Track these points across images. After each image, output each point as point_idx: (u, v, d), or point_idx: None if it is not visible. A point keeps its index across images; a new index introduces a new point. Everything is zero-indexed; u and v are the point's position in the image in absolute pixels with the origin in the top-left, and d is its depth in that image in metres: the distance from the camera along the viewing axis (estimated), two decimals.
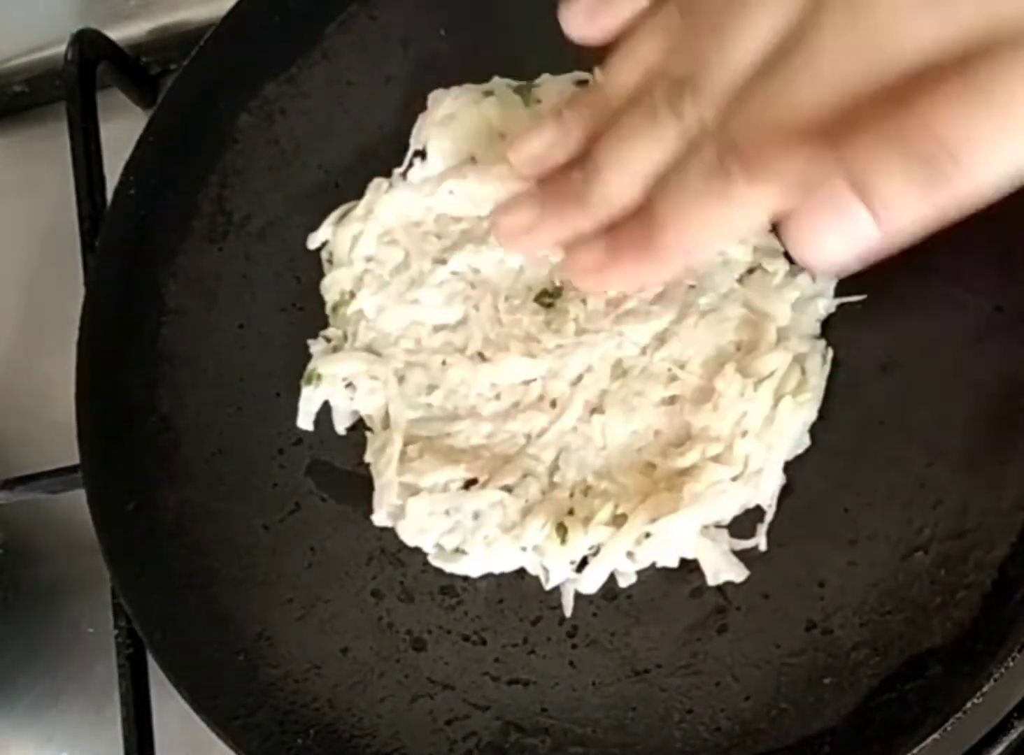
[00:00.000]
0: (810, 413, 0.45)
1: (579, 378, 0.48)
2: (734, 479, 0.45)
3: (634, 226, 0.40)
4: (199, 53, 0.58)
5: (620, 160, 0.41)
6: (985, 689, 0.40)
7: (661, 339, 0.47)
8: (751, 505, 0.45)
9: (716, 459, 0.45)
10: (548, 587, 0.46)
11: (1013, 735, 0.43)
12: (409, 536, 0.48)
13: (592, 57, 0.52)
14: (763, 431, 0.45)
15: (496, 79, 0.53)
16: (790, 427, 0.45)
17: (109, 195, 0.59)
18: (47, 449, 0.60)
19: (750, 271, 0.47)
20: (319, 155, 0.56)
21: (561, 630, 0.46)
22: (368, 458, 0.50)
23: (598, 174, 0.41)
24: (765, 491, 0.45)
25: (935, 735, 0.40)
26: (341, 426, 0.52)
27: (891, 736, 0.41)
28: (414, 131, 0.54)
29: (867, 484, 0.44)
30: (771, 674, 0.43)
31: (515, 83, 0.53)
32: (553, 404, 0.48)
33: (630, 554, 0.45)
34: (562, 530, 0.45)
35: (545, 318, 0.49)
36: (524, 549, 0.46)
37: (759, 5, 0.36)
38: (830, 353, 0.46)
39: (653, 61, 0.41)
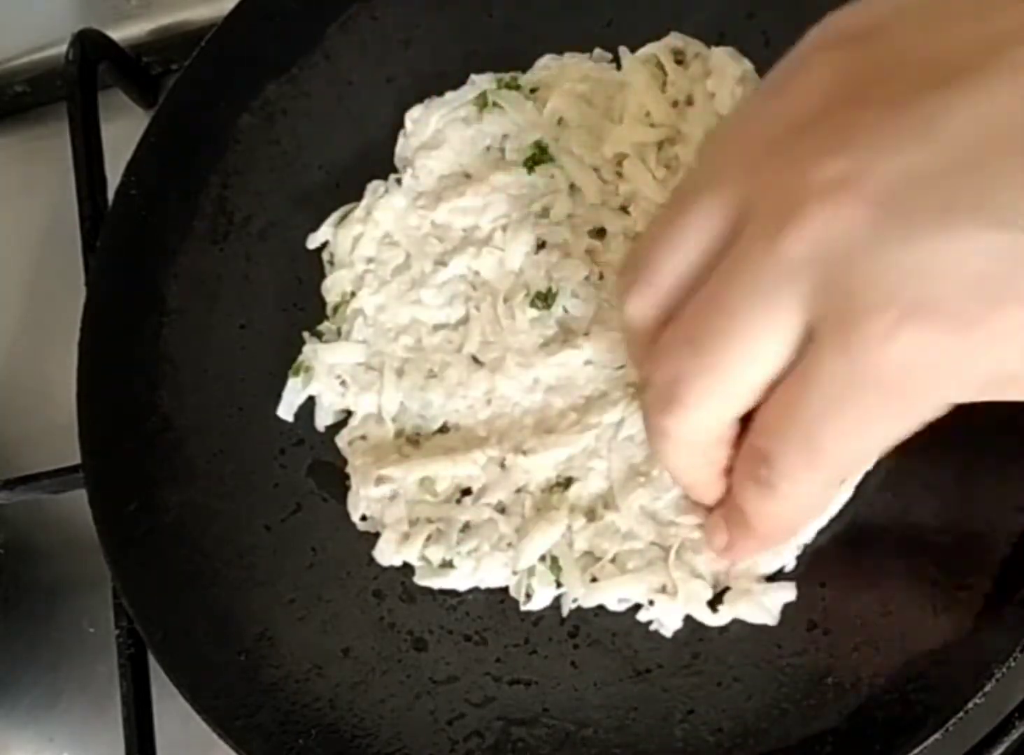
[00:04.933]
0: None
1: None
2: None
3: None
4: (200, 53, 0.58)
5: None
6: (986, 689, 0.40)
7: None
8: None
9: None
10: (523, 608, 0.46)
11: (1014, 735, 0.43)
12: (391, 549, 0.47)
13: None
14: None
15: (473, 77, 0.53)
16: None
17: (110, 195, 0.59)
18: (47, 449, 0.60)
19: None
20: (320, 155, 0.56)
21: (562, 630, 0.46)
22: (344, 447, 0.50)
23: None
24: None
25: (936, 735, 0.40)
26: (322, 423, 0.52)
27: (892, 736, 0.41)
28: (397, 151, 0.54)
29: (867, 484, 0.44)
30: (772, 674, 0.43)
31: (505, 76, 0.53)
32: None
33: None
34: (556, 569, 0.45)
35: (542, 332, 0.48)
36: (515, 573, 0.46)
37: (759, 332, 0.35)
38: None
39: None
